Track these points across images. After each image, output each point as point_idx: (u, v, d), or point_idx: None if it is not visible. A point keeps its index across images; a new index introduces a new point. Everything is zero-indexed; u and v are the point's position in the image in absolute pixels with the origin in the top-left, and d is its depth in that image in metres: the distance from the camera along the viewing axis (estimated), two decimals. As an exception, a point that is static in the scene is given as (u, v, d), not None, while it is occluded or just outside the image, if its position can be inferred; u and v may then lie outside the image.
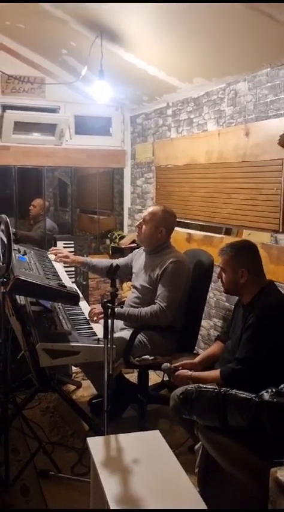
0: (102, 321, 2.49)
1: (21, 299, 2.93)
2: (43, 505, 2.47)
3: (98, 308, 2.98)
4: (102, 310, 2.80)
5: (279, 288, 2.64)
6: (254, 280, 2.51)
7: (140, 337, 3.05)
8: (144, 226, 3.27)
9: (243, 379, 2.27)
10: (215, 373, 2.48)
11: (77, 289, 3.16)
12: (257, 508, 1.69)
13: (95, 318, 2.98)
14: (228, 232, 3.62)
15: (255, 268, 2.53)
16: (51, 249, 3.87)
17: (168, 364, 2.72)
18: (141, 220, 3.31)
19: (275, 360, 2.26)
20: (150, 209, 3.33)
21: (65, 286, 2.83)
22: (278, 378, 2.06)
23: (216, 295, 3.70)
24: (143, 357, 3.03)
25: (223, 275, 2.59)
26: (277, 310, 2.37)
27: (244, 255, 2.54)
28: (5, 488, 2.55)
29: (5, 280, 2.48)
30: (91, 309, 3.07)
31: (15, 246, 3.09)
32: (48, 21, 3.54)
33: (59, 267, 3.56)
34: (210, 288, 3.40)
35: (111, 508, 1.71)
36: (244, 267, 2.50)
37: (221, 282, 2.66)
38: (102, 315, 2.88)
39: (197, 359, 2.77)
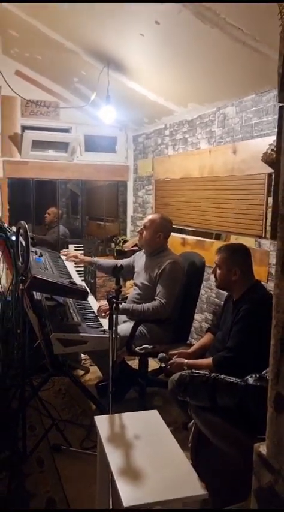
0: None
1: (37, 295, 2.93)
2: (56, 475, 2.47)
3: (106, 305, 2.98)
4: (109, 306, 2.84)
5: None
6: (245, 278, 2.50)
7: (141, 328, 3.05)
8: (144, 232, 3.28)
9: (233, 365, 2.26)
10: (208, 360, 2.47)
11: (86, 286, 3.15)
12: (242, 476, 1.69)
13: (103, 314, 2.98)
14: (218, 237, 3.61)
15: (246, 268, 2.53)
16: (62, 251, 3.87)
17: (163, 354, 2.71)
18: (141, 227, 3.31)
19: (261, 349, 2.26)
20: (150, 217, 3.33)
21: (76, 284, 2.84)
22: (263, 364, 2.05)
23: (207, 292, 3.69)
24: (143, 345, 3.03)
25: (218, 271, 2.58)
26: (263, 306, 2.36)
27: (238, 256, 2.53)
28: (23, 459, 2.55)
29: (23, 278, 2.49)
30: (100, 306, 3.08)
31: (32, 249, 3.09)
32: (62, 53, 3.54)
33: (70, 267, 3.56)
34: (202, 286, 3.39)
35: (114, 476, 1.71)
36: (237, 267, 2.49)
37: (214, 278, 2.64)
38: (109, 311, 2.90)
39: (191, 349, 2.76)
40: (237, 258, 2.52)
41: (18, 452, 2.56)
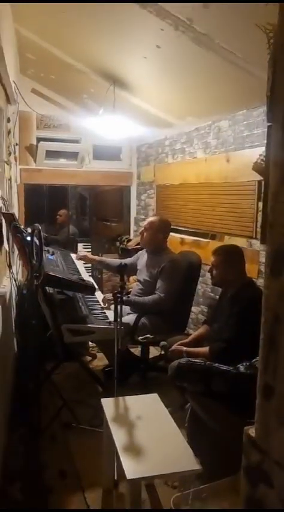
0: (112, 307, 2.49)
1: (49, 289, 2.93)
2: (67, 449, 2.49)
3: (109, 296, 3.01)
4: (112, 297, 2.84)
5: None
6: (239, 277, 2.50)
7: (143, 320, 3.05)
8: (145, 233, 3.28)
9: (227, 354, 2.26)
10: (205, 349, 2.47)
11: (93, 282, 3.16)
12: (232, 453, 1.70)
13: (106, 305, 3.00)
14: (213, 237, 3.61)
15: (240, 268, 2.53)
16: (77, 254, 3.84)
17: (165, 342, 2.72)
18: (142, 229, 3.32)
19: (253, 340, 2.25)
20: (149, 219, 3.34)
21: (84, 280, 2.84)
22: (254, 354, 2.05)
23: (203, 287, 3.69)
24: (145, 335, 3.04)
25: (214, 271, 2.58)
26: (255, 302, 2.35)
27: (234, 258, 2.53)
28: (38, 435, 2.57)
29: (37, 275, 2.49)
30: (104, 296, 3.09)
31: (45, 248, 3.09)
32: (73, 73, 3.53)
33: (79, 264, 3.56)
34: (199, 281, 3.39)
35: (119, 452, 1.72)
36: (233, 267, 2.49)
37: (211, 276, 2.64)
38: (112, 301, 2.92)
39: (188, 339, 2.76)
40: (232, 260, 2.52)
41: (34, 429, 2.57)
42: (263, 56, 2.14)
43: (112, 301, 2.82)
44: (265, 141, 2.76)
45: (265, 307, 1.05)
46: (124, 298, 2.38)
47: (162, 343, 2.72)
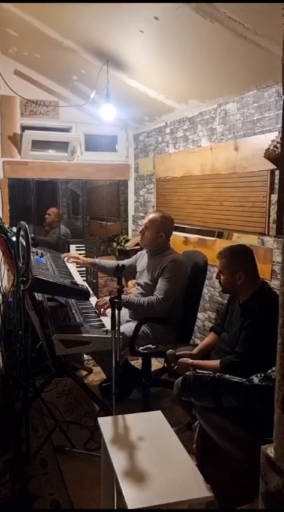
0: (109, 313, 2.46)
1: (39, 295, 2.91)
2: (59, 476, 2.46)
3: (102, 301, 3.00)
4: (105, 302, 2.87)
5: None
6: (250, 281, 2.44)
7: (144, 328, 3.03)
8: (146, 232, 3.25)
9: (241, 370, 2.23)
10: (215, 362, 2.43)
11: (88, 286, 3.14)
12: (248, 477, 1.67)
13: (102, 310, 2.97)
14: (220, 235, 3.59)
15: (251, 271, 2.46)
16: (63, 255, 3.80)
17: (173, 351, 2.69)
18: (143, 227, 3.29)
19: (271, 353, 2.22)
20: (150, 216, 3.30)
21: (77, 284, 2.82)
22: (271, 366, 2.02)
23: (210, 291, 3.67)
24: (146, 346, 3.01)
25: (221, 277, 2.52)
26: (271, 310, 2.32)
27: (240, 259, 2.46)
28: (27, 461, 2.55)
29: (24, 279, 2.47)
30: (97, 302, 3.06)
31: (33, 249, 3.07)
32: (61, 51, 3.52)
33: (72, 267, 3.54)
34: (205, 285, 3.37)
35: (118, 478, 1.69)
36: (241, 270, 2.43)
37: (219, 283, 2.59)
38: (106, 306, 2.94)
39: (195, 350, 2.72)
40: (239, 262, 2.46)
41: (22, 454, 2.55)
42: (276, 27, 2.13)
43: (107, 306, 2.81)
44: (279, 125, 2.74)
45: (282, 306, 1.03)
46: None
47: (169, 351, 2.68)
